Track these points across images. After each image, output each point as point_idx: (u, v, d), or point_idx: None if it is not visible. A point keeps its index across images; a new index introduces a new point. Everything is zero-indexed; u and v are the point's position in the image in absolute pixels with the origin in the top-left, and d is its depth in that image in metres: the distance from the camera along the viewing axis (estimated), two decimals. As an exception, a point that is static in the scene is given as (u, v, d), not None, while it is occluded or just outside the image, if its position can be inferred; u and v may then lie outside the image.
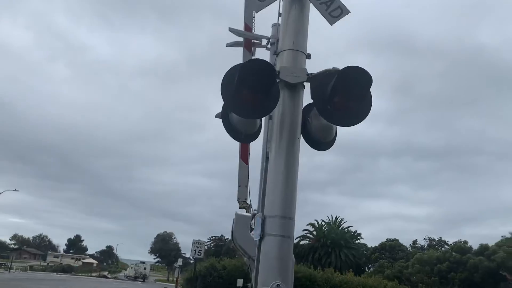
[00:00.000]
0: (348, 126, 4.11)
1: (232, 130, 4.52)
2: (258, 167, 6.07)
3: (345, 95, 3.87)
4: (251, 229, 5.44)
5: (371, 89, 3.91)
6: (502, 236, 45.45)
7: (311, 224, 58.55)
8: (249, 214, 5.54)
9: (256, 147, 5.99)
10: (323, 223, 58.46)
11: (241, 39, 6.47)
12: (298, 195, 4.05)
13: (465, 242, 51.87)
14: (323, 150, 4.59)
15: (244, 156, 5.99)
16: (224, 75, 3.94)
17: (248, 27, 6.47)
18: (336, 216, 58.79)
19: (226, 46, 6.58)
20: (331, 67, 4.07)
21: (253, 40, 6.23)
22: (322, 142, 4.53)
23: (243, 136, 4.61)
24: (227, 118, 4.49)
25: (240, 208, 5.83)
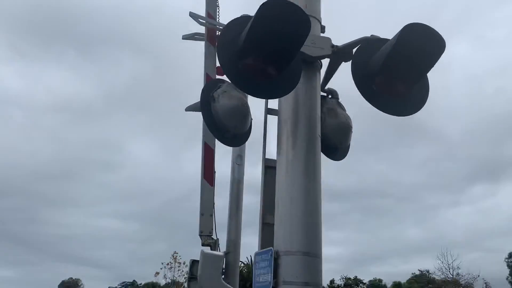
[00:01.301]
0: (402, 115, 2.89)
1: (215, 126, 3.11)
2: (224, 192, 4.67)
3: (402, 71, 2.66)
4: (223, 273, 3.97)
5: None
6: (412, 273, 47.54)
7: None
8: (220, 253, 4.07)
9: (221, 166, 4.61)
10: (242, 264, 56.60)
11: (202, 29, 5.14)
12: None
13: (380, 280, 53.57)
14: (339, 159, 3.33)
15: (209, 175, 4.53)
16: (227, 26, 2.58)
17: (210, 15, 5.17)
18: (252, 259, 57.07)
19: (182, 38, 5.18)
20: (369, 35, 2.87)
21: (217, 32, 4.94)
22: (338, 147, 3.27)
23: (230, 135, 3.21)
24: (209, 109, 3.09)
25: (203, 244, 4.32)
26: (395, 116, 2.84)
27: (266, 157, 3.08)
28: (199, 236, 4.34)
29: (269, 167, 3.04)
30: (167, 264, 35.77)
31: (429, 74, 2.85)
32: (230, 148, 4.83)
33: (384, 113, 2.83)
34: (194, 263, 4.22)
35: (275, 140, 2.98)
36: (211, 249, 4.24)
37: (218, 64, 4.75)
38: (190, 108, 3.38)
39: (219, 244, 4.31)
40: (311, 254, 2.53)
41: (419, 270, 47.04)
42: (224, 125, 3.10)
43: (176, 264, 35.26)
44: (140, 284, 64.84)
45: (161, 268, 36.37)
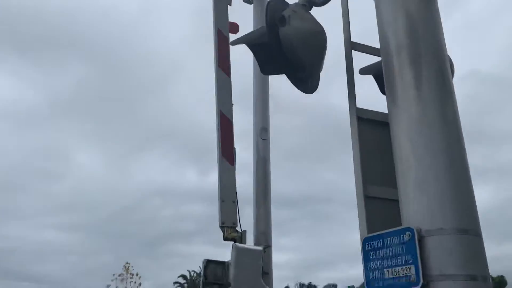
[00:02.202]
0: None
1: (284, 60, 2.17)
2: (247, 174, 3.78)
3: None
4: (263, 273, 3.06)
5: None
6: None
7: (183, 276, 54.82)
8: (258, 248, 3.15)
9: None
10: (195, 274, 55.26)
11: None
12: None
13: (334, 285, 54.38)
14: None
15: (228, 151, 3.53)
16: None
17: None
18: (206, 266, 55.95)
19: None
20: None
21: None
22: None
23: (305, 74, 2.27)
24: (276, 35, 2.15)
25: (225, 238, 3.35)
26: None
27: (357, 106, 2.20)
28: (220, 229, 3.37)
29: (364, 120, 2.17)
30: (119, 275, 34.17)
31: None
32: (248, 120, 3.91)
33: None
34: (209, 264, 3.27)
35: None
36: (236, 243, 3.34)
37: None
38: (239, 41, 2.40)
39: (245, 237, 3.38)
40: (471, 232, 1.67)
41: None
42: (298, 58, 2.16)
43: (129, 275, 33.73)
44: (86, 297, 61.70)
45: (112, 280, 34.70)
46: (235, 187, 3.49)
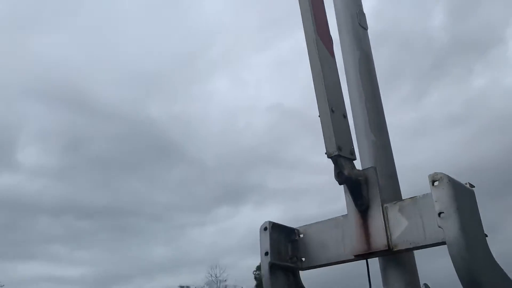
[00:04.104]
0: None
1: None
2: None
3: None
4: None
5: None
6: None
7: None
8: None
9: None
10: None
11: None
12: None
13: None
14: None
15: (325, 36, 2.31)
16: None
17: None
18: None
19: None
20: None
21: None
22: None
23: None
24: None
25: (345, 179, 2.06)
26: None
27: None
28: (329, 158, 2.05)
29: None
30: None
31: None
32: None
33: None
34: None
35: None
36: (353, 181, 2.08)
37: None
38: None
39: (377, 175, 2.14)
40: None
41: (180, 286, 50.20)
42: None
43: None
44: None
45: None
46: (341, 93, 2.27)
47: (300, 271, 2.28)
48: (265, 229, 2.20)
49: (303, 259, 2.25)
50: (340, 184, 2.08)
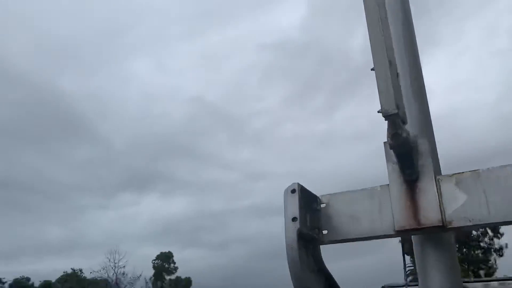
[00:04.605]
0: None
1: None
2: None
3: None
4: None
5: None
6: (64, 272, 49.45)
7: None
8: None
9: None
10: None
11: None
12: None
13: (27, 278, 54.72)
14: None
15: None
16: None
17: None
18: None
19: None
20: None
21: None
22: None
23: None
24: None
25: (393, 141, 1.72)
26: None
27: None
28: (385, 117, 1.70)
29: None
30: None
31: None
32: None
33: None
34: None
35: None
36: (407, 146, 1.79)
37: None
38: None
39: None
40: None
41: (72, 269, 49.93)
42: None
43: None
44: None
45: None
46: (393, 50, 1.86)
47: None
48: (293, 191, 1.87)
49: (325, 231, 1.96)
50: (392, 148, 1.80)
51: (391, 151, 1.86)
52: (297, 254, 1.75)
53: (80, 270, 48.05)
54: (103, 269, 48.89)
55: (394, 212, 1.81)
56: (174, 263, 61.48)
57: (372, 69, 1.85)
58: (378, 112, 1.81)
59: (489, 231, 47.32)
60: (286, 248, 1.77)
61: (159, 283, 58.64)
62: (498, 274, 44.86)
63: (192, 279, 60.38)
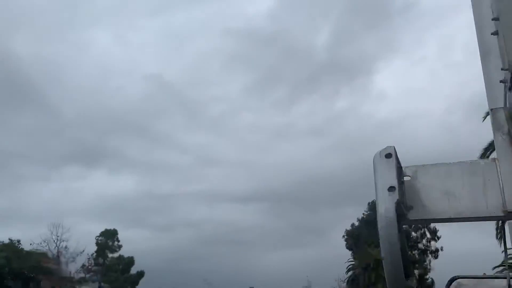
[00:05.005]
0: None
1: None
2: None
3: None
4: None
5: None
6: (1, 241, 46.72)
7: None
8: None
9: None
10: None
11: None
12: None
13: None
14: None
15: None
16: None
17: None
18: None
19: None
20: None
21: None
22: None
23: None
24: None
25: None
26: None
27: None
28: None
29: None
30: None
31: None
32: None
33: None
34: None
35: None
36: None
37: None
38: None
39: None
40: None
41: (10, 239, 46.87)
42: None
43: None
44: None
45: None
46: None
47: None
48: (389, 155, 1.56)
49: (412, 208, 1.67)
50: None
51: (501, 118, 1.59)
52: (396, 227, 1.45)
53: (18, 241, 45.75)
54: (44, 241, 46.92)
55: (505, 190, 1.54)
56: (118, 241, 60.03)
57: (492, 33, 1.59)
58: (502, 69, 1.54)
59: (427, 233, 49.46)
60: (381, 223, 1.46)
61: (101, 259, 57.15)
62: (431, 275, 47.21)
63: (135, 259, 59.40)
